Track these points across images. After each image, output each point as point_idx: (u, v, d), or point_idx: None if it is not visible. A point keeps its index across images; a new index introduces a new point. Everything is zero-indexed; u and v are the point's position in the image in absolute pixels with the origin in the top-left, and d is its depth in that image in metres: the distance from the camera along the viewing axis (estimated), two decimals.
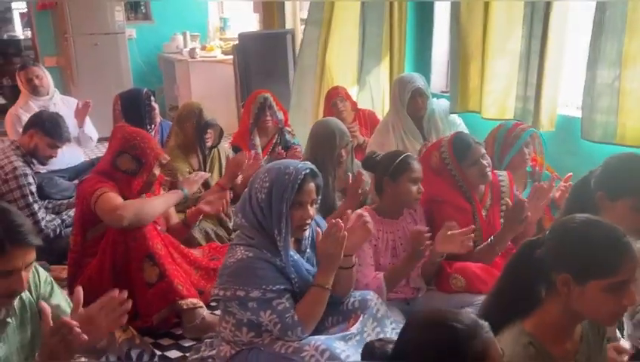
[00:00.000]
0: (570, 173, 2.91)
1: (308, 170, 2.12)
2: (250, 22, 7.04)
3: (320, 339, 2.08)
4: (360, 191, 2.93)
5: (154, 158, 2.75)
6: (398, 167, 2.53)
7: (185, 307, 2.65)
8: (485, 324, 1.26)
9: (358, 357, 1.92)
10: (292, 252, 2.16)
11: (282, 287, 2.08)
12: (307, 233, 2.23)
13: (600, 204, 1.97)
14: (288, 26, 5.71)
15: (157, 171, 2.80)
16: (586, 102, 3.14)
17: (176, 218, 3.12)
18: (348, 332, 2.17)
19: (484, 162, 2.65)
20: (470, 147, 2.67)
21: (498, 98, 3.77)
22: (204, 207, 3.03)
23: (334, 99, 4.10)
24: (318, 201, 2.20)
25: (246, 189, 2.21)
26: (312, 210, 2.14)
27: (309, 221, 2.15)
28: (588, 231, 1.47)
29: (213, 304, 2.75)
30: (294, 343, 2.09)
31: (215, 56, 6.78)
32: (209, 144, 3.51)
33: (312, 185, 2.12)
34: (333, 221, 2.08)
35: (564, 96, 3.58)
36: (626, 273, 1.41)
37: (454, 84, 4.01)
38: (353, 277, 2.28)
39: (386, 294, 2.46)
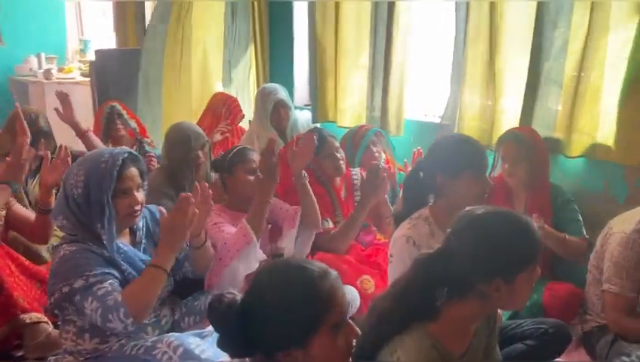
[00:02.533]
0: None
1: (126, 154, 2.00)
2: (111, 43, 6.81)
3: (173, 336, 1.98)
4: None
5: None
6: (232, 159, 2.65)
7: (28, 321, 2.43)
8: (334, 272, 1.27)
9: (215, 352, 1.86)
10: (121, 244, 2.02)
11: (106, 271, 1.91)
12: (141, 223, 2.12)
13: (441, 184, 2.06)
14: None
15: None
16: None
17: (31, 213, 2.83)
18: (204, 330, 2.10)
19: (338, 155, 2.78)
20: (325, 140, 2.80)
21: (352, 108, 3.97)
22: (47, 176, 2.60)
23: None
24: (145, 186, 2.10)
25: (60, 188, 2.05)
26: (139, 196, 2.03)
27: (137, 207, 2.02)
28: (510, 225, 1.44)
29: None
30: (146, 342, 1.96)
31: (73, 78, 6.45)
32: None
33: (133, 170, 2.01)
34: (184, 194, 1.97)
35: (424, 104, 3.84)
36: (539, 258, 1.44)
37: (314, 97, 4.16)
38: (208, 254, 2.20)
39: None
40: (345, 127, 3.89)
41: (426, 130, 3.57)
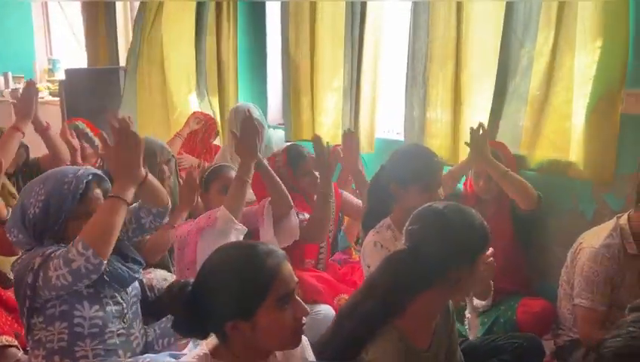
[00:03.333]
0: None
1: (90, 176, 1.96)
2: (81, 62, 6.74)
3: (149, 356, 1.95)
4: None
5: None
6: (208, 177, 2.66)
7: None
8: (282, 252, 1.36)
9: None
10: None
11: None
12: None
13: (395, 193, 2.20)
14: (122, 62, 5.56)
15: None
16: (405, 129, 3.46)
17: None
18: (179, 352, 2.07)
19: (317, 173, 2.77)
20: (304, 158, 2.80)
21: (327, 127, 4.00)
22: None
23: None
24: None
25: (18, 201, 2.01)
26: None
27: None
28: (456, 218, 1.53)
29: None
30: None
31: (42, 98, 6.33)
32: None
33: (97, 192, 1.97)
34: (120, 119, 1.97)
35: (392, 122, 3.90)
36: (487, 247, 1.56)
37: (287, 116, 4.18)
38: (156, 191, 2.12)
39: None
40: None
41: (396, 147, 3.59)
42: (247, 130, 2.52)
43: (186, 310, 1.32)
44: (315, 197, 2.76)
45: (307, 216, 2.82)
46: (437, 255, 1.48)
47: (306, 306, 1.34)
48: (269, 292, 1.27)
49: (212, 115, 4.44)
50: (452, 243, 1.49)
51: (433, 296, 1.52)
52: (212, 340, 1.37)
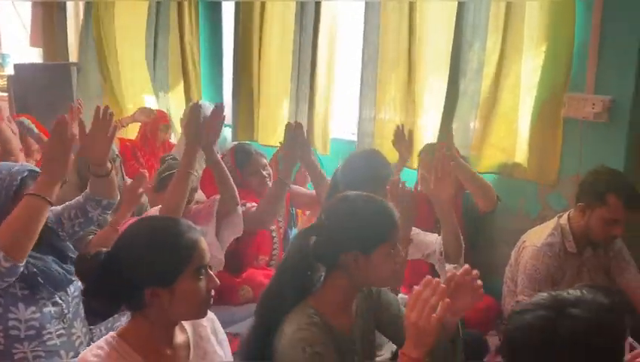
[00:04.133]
0: None
1: (26, 173, 1.91)
2: (32, 57, 6.56)
3: None
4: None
5: None
6: (163, 177, 2.58)
7: None
8: (200, 228, 1.42)
9: None
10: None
11: None
12: None
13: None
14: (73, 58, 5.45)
15: None
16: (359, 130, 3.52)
17: None
18: None
19: (264, 173, 2.77)
20: (251, 157, 2.78)
21: (276, 127, 4.01)
22: None
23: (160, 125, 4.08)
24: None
25: None
26: None
27: None
28: (362, 205, 1.58)
29: None
30: None
31: None
32: None
33: None
34: (59, 117, 1.90)
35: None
36: (397, 235, 1.57)
37: (235, 115, 4.19)
38: (111, 186, 2.11)
39: None
40: (268, 146, 3.91)
41: (351, 148, 3.63)
42: (191, 117, 2.45)
43: (100, 276, 1.35)
44: (274, 183, 2.74)
45: (254, 203, 2.80)
46: (331, 238, 1.54)
47: (216, 279, 1.40)
48: (190, 261, 1.34)
49: (165, 112, 4.38)
50: (346, 228, 1.53)
51: (338, 279, 1.56)
52: (121, 327, 1.41)
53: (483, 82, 3.00)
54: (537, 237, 2.38)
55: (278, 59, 3.93)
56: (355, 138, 3.80)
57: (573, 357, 1.05)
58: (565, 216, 2.40)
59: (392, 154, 3.13)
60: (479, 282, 1.42)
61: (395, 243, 1.56)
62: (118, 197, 2.18)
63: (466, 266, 1.45)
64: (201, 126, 2.41)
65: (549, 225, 2.41)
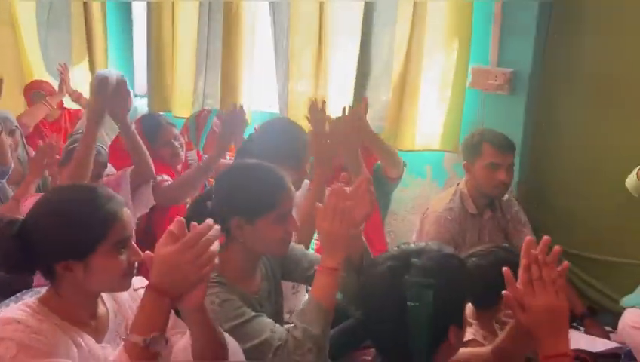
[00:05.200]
0: None
1: None
2: None
3: None
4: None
5: None
6: (69, 150, 2.53)
7: None
8: (121, 198, 1.35)
9: None
10: None
11: None
12: None
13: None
14: None
15: None
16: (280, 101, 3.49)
17: None
18: None
19: (176, 143, 2.72)
20: (161, 127, 2.71)
21: (189, 98, 3.92)
22: None
23: (33, 92, 3.84)
24: None
25: None
26: None
27: None
28: (247, 173, 1.60)
29: None
30: None
31: None
32: None
33: None
34: None
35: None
36: (286, 205, 1.56)
37: (151, 86, 4.07)
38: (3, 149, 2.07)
39: None
40: (182, 118, 3.83)
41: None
42: (92, 88, 2.38)
43: (11, 244, 1.27)
44: (201, 164, 2.70)
45: (167, 177, 2.74)
46: (218, 205, 1.55)
47: (139, 252, 1.33)
48: (108, 235, 1.27)
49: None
50: (230, 195, 1.54)
51: (233, 245, 1.56)
52: (44, 291, 1.34)
53: (394, 56, 3.06)
54: (439, 204, 2.49)
55: (191, 28, 3.82)
56: (274, 110, 3.79)
57: (420, 300, 1.12)
58: (463, 181, 2.53)
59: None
60: (371, 189, 1.51)
61: (285, 213, 1.55)
62: (12, 166, 2.08)
63: (361, 178, 1.53)
64: (101, 98, 2.32)
65: (450, 192, 2.53)
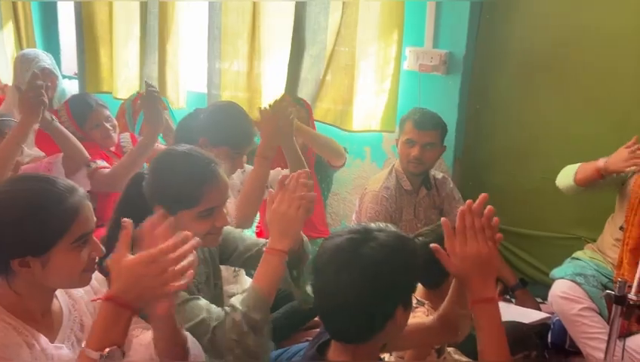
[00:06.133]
0: None
1: None
2: None
3: None
4: None
5: None
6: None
7: None
8: (82, 190, 1.29)
9: None
10: None
11: None
12: None
13: (202, 146, 2.09)
14: None
15: None
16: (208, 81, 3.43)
17: None
18: None
19: (108, 125, 2.63)
20: (91, 109, 2.62)
21: (129, 79, 3.79)
22: None
23: None
24: None
25: None
26: None
27: None
28: (174, 163, 1.54)
29: None
30: None
31: None
32: None
33: None
34: None
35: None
36: (212, 201, 1.50)
37: (82, 67, 3.90)
38: None
39: None
40: (120, 98, 3.70)
41: (204, 101, 3.54)
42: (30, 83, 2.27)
43: None
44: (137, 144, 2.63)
45: (103, 163, 2.65)
46: (147, 190, 1.52)
47: (100, 246, 1.28)
48: (68, 231, 1.21)
49: None
50: (155, 183, 1.53)
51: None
52: None
53: (328, 34, 3.04)
54: (376, 183, 2.54)
55: (127, 6, 3.67)
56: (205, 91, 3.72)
57: (374, 274, 1.14)
58: (398, 160, 2.59)
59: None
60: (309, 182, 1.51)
61: (211, 208, 1.51)
62: None
63: (299, 171, 1.54)
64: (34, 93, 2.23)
65: (386, 171, 2.59)
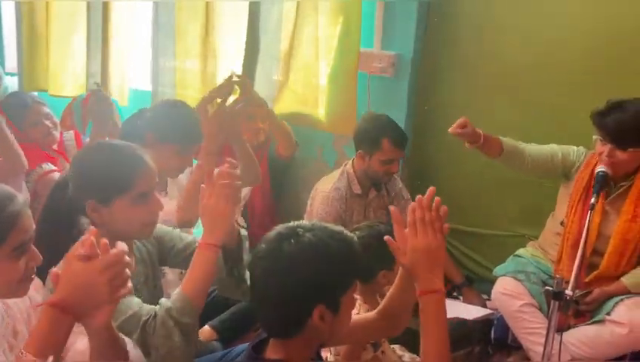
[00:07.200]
0: None
1: None
2: None
3: None
4: None
5: None
6: None
7: None
8: (22, 197, 1.25)
9: None
10: None
11: None
12: None
13: (149, 142, 2.08)
14: None
15: None
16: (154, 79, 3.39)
17: None
18: None
19: (48, 122, 2.55)
20: (28, 107, 2.54)
21: (70, 76, 3.70)
22: None
23: None
24: None
25: None
26: None
27: None
28: (100, 153, 1.54)
29: None
30: None
31: None
32: None
33: None
34: None
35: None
36: (143, 185, 1.51)
37: (21, 64, 3.81)
38: None
39: None
40: (61, 96, 3.60)
41: (148, 99, 3.48)
42: None
43: None
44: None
45: (49, 166, 2.56)
46: (73, 186, 1.52)
47: (39, 255, 1.25)
48: (7, 239, 1.17)
49: None
50: (82, 177, 1.52)
51: (95, 227, 1.50)
52: None
53: (283, 37, 3.04)
54: (326, 184, 2.56)
55: (67, 2, 3.59)
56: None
57: (291, 271, 1.15)
58: (350, 162, 2.61)
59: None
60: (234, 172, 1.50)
61: (144, 192, 1.51)
62: None
63: (225, 164, 1.53)
64: None
65: (337, 173, 2.60)
